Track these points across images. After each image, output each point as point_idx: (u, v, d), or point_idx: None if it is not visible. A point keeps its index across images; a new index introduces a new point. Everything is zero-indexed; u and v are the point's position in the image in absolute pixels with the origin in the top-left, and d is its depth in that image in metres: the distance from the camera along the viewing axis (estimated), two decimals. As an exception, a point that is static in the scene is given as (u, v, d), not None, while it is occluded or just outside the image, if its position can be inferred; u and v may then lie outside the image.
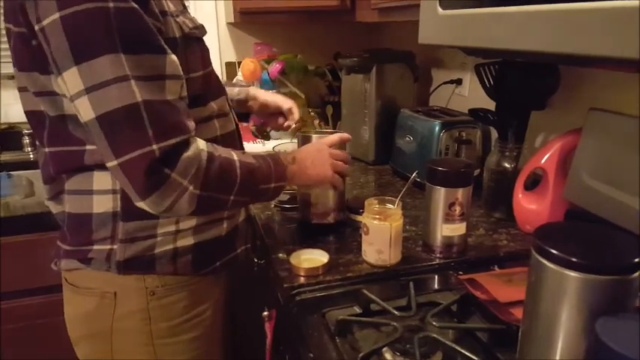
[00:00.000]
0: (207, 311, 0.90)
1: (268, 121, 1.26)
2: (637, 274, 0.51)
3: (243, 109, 1.20)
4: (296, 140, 1.11)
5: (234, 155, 0.80)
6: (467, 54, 0.85)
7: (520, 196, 1.05)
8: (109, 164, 0.68)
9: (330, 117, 1.79)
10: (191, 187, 0.72)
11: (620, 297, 0.52)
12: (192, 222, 0.83)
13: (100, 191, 0.78)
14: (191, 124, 0.73)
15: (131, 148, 0.66)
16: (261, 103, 1.20)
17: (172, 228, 0.81)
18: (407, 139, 1.39)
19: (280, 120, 1.23)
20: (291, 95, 1.78)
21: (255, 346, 1.13)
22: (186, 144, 0.71)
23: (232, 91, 1.15)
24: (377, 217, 0.90)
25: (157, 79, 0.68)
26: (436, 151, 1.28)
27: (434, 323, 0.73)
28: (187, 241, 0.83)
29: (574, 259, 0.53)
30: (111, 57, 0.63)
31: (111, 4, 0.63)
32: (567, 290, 0.54)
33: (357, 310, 0.80)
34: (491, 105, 1.14)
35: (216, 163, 0.75)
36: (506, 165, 1.12)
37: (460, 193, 0.92)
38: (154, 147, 0.67)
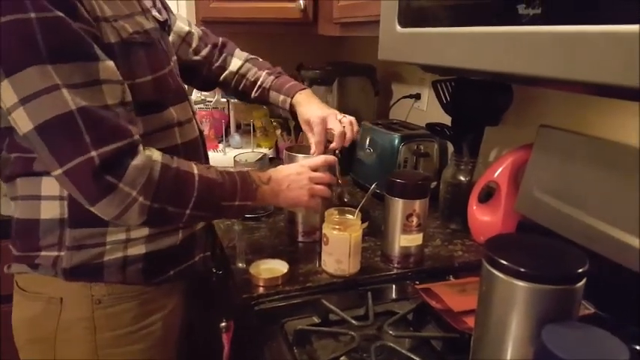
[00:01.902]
0: (158, 322, 0.87)
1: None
2: (581, 283, 0.55)
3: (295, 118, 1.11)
4: (257, 150, 1.11)
5: (195, 169, 0.78)
6: (424, 70, 0.88)
7: (474, 208, 1.09)
8: (54, 173, 0.68)
9: (293, 128, 1.79)
10: (141, 198, 0.70)
11: (565, 305, 0.55)
12: (144, 231, 0.81)
13: (48, 197, 0.77)
14: (134, 129, 0.72)
15: (72, 156, 0.66)
16: (303, 120, 1.08)
17: (123, 236, 0.80)
18: (367, 151, 1.41)
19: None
20: (253, 105, 1.77)
21: (212, 358, 1.11)
22: (131, 151, 0.70)
23: (278, 98, 1.12)
24: (336, 227, 0.91)
25: (91, 85, 0.67)
26: (395, 163, 1.31)
27: (390, 332, 0.75)
28: (138, 249, 0.81)
29: (522, 270, 0.56)
30: (38, 68, 0.63)
31: (32, 15, 0.62)
32: (516, 299, 0.56)
33: (316, 320, 0.80)
34: (448, 120, 1.18)
35: (170, 174, 0.74)
36: (462, 178, 1.16)
37: (417, 205, 0.94)
38: (93, 153, 0.66)
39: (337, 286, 0.91)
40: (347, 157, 1.52)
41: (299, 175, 0.91)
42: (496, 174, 1.05)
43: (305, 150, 1.12)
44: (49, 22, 0.63)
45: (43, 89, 0.64)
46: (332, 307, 0.80)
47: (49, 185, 0.76)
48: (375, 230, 1.13)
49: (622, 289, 0.77)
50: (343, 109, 1.56)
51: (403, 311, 0.80)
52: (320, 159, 0.97)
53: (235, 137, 1.81)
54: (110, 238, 0.79)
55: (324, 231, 0.93)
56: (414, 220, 0.94)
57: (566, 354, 0.47)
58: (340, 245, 0.91)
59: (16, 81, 0.64)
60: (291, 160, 1.05)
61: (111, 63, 0.70)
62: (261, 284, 0.89)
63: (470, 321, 0.74)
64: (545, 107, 1.09)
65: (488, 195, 1.10)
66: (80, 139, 0.66)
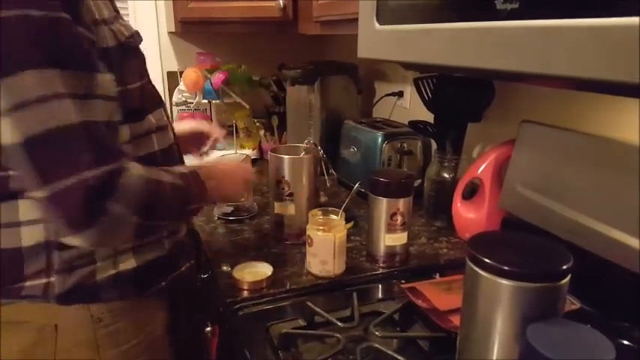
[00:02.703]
0: (157, 332, 0.85)
1: (188, 148, 1.12)
2: (565, 280, 0.54)
3: None
4: (241, 152, 1.09)
5: (165, 177, 0.74)
6: (405, 68, 0.87)
7: (459, 205, 1.09)
8: (35, 194, 0.61)
9: (276, 128, 1.78)
10: (134, 218, 0.67)
11: (549, 302, 0.55)
12: (129, 244, 0.77)
13: (29, 222, 0.70)
14: (125, 148, 0.70)
15: (65, 174, 0.59)
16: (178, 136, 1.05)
17: (111, 251, 0.75)
18: (351, 149, 1.41)
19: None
20: (235, 106, 1.76)
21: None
22: (121, 170, 0.65)
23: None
24: (320, 228, 0.90)
25: (89, 98, 0.63)
26: (379, 161, 1.30)
27: (376, 333, 0.74)
28: (129, 263, 0.77)
29: (506, 268, 0.55)
30: (38, 71, 0.57)
31: (35, 13, 0.56)
32: (500, 297, 0.56)
33: (302, 322, 0.79)
34: (431, 117, 1.18)
35: (152, 189, 0.70)
36: (446, 175, 1.16)
37: (401, 204, 0.93)
38: (88, 174, 0.60)
39: (322, 287, 0.90)
40: (330, 155, 1.52)
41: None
42: (479, 170, 1.05)
43: (291, 151, 1.11)
44: (53, 22, 0.58)
45: (41, 96, 0.57)
46: (317, 309, 0.79)
47: (29, 209, 0.69)
48: (360, 230, 1.13)
49: (608, 283, 0.77)
50: (326, 108, 1.57)
51: (389, 311, 0.79)
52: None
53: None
54: (99, 255, 0.74)
55: (308, 232, 0.92)
56: (399, 218, 0.94)
57: (552, 353, 0.47)
58: (324, 246, 0.90)
59: (10, 84, 0.57)
60: (277, 162, 1.04)
61: (107, 77, 0.66)
62: (245, 287, 0.87)
63: (456, 320, 0.73)
64: (526, 103, 1.09)
65: (472, 192, 1.10)
66: (76, 158, 0.60)
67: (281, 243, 1.07)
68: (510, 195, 0.99)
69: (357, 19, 0.81)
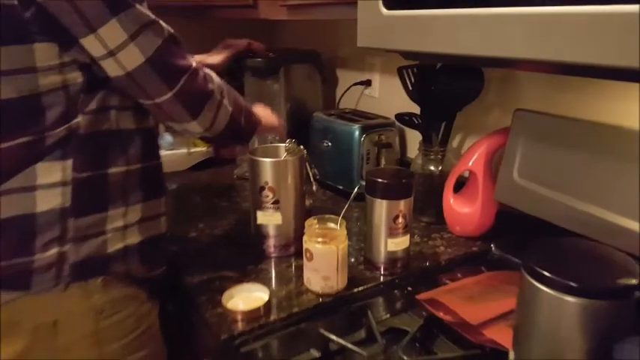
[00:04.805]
0: (154, 326, 0.83)
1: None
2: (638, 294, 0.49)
3: None
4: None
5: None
6: (405, 58, 0.78)
7: (451, 201, 1.03)
8: (161, 99, 0.71)
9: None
10: (225, 100, 0.80)
11: (623, 319, 0.49)
12: (137, 215, 0.77)
13: (46, 185, 0.67)
14: None
15: (181, 72, 0.72)
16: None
17: (121, 223, 0.75)
18: (324, 144, 1.31)
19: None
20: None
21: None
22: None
23: None
24: (320, 240, 0.81)
25: None
26: (358, 156, 1.22)
27: (405, 358, 0.66)
28: (135, 237, 0.77)
29: (573, 284, 0.49)
30: (140, 4, 0.67)
31: None
32: (568, 315, 0.50)
33: (316, 353, 0.69)
34: (403, 106, 1.12)
35: (227, 87, 0.84)
36: (432, 168, 1.10)
37: (403, 205, 0.86)
38: (193, 63, 0.74)
39: (327, 305, 0.81)
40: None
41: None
42: (471, 162, 1.00)
43: (271, 152, 1.00)
44: None
45: (147, 22, 0.67)
46: (332, 336, 0.70)
47: (48, 171, 0.67)
48: (350, 233, 1.04)
49: None
50: (291, 99, 1.45)
51: (412, 329, 0.71)
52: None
53: (166, 137, 1.61)
54: (110, 226, 0.73)
55: (305, 245, 0.82)
56: (401, 221, 0.86)
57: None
58: (327, 260, 0.80)
59: (124, 18, 0.64)
60: (258, 166, 0.92)
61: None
62: (240, 318, 0.76)
63: (488, 332, 0.67)
64: (512, 90, 1.05)
65: (459, 184, 1.05)
66: (183, 55, 0.73)
67: (264, 257, 0.96)
68: (506, 187, 0.94)
69: (330, 3, 0.72)
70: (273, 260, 0.95)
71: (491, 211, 1.00)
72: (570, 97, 0.93)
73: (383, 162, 1.26)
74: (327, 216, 0.86)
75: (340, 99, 1.50)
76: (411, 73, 1.06)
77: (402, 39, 0.67)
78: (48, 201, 0.68)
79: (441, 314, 0.73)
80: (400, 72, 1.05)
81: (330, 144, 1.29)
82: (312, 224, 0.84)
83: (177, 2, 1.43)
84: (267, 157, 0.94)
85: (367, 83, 1.46)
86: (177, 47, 0.72)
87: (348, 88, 1.47)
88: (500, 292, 0.76)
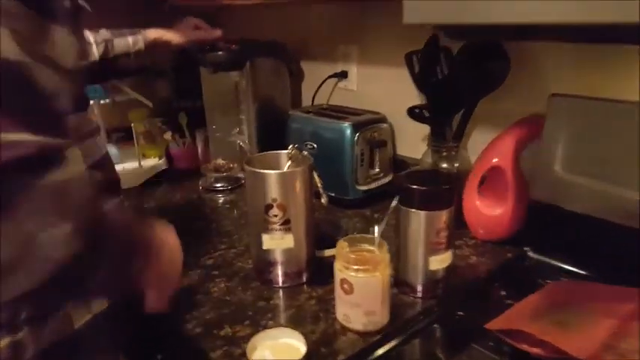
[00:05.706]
0: None
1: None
2: None
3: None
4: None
5: None
6: (451, 37, 0.64)
7: (477, 202, 0.90)
8: None
9: (186, 127, 1.41)
10: None
11: None
12: None
13: None
14: None
15: None
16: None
17: None
18: (308, 146, 1.14)
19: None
20: (132, 104, 1.35)
21: None
22: None
23: (120, 44, 1.01)
24: (361, 268, 0.64)
25: None
26: (351, 158, 1.06)
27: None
28: None
29: None
30: None
31: None
32: None
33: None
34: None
35: None
36: (446, 166, 0.97)
37: (445, 216, 0.72)
38: None
39: (375, 346, 0.65)
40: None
41: None
42: (498, 157, 0.88)
43: (270, 162, 0.81)
44: None
45: None
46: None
47: None
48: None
49: None
50: (259, 96, 1.27)
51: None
52: None
53: (110, 150, 1.36)
54: None
55: (342, 276, 0.65)
56: (444, 235, 0.72)
57: None
58: (371, 291, 0.64)
59: None
60: (262, 180, 0.74)
61: None
62: (276, 379, 0.58)
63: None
64: (533, 73, 0.94)
65: (480, 183, 0.93)
66: None
67: (273, 289, 0.78)
68: (546, 182, 0.84)
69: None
70: (283, 292, 0.78)
71: (523, 212, 0.89)
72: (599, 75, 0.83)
73: (377, 163, 1.11)
74: (358, 235, 0.70)
75: (316, 94, 1.33)
76: (416, 59, 0.92)
77: (450, 12, 0.53)
78: None
79: (524, 347, 0.59)
80: (408, 58, 0.91)
81: (315, 146, 1.12)
82: (343, 247, 0.67)
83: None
84: (269, 169, 0.75)
85: (342, 75, 1.31)
86: None
87: (323, 81, 1.30)
88: (587, 310, 0.64)
